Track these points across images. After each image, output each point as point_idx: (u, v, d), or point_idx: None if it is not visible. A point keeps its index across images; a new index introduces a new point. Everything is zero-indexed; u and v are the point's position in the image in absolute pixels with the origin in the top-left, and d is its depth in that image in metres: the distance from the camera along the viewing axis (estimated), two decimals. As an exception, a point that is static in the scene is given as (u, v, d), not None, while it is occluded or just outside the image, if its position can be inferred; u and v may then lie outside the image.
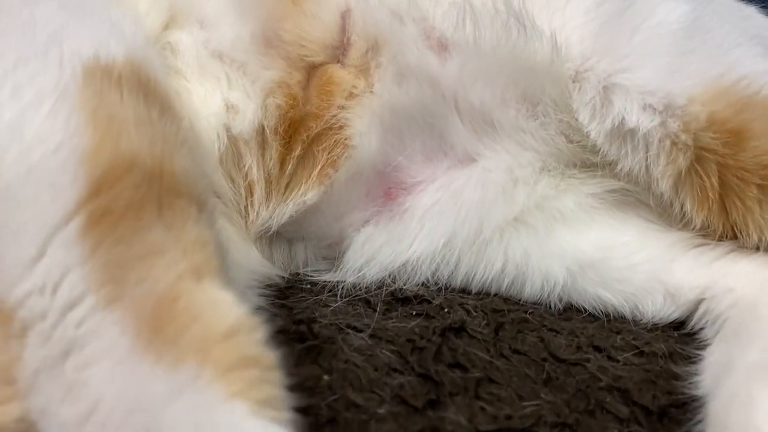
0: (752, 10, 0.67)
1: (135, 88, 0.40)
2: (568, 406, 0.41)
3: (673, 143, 0.49)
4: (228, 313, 0.29)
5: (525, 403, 0.41)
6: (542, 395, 0.42)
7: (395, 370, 0.42)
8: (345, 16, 0.53)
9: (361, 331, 0.47)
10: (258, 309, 0.48)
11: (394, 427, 0.37)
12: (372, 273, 0.53)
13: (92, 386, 0.28)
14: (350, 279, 0.53)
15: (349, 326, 0.47)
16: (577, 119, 0.52)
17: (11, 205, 0.33)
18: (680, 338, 0.50)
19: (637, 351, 0.48)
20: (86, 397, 0.27)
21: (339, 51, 0.53)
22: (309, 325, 0.47)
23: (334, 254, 0.56)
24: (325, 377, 0.41)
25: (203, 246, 0.32)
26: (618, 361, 0.47)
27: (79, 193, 0.32)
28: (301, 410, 0.33)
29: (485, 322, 0.49)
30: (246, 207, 0.52)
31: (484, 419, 0.39)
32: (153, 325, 0.28)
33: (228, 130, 0.51)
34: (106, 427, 0.26)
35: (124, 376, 0.27)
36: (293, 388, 0.33)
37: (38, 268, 0.31)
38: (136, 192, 0.32)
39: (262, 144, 0.51)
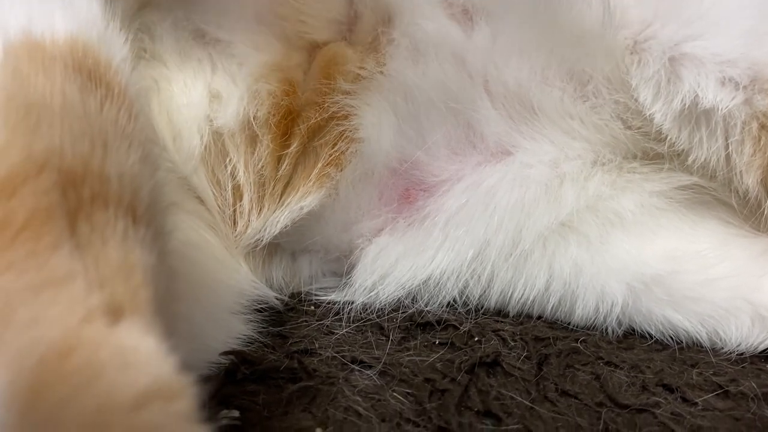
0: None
1: (74, 71, 0.31)
2: (635, 471, 0.32)
3: (763, 126, 0.40)
4: (144, 372, 0.20)
5: (576, 467, 0.32)
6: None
7: (408, 420, 0.33)
8: (352, -16, 0.44)
9: (369, 366, 0.38)
10: (245, 340, 0.40)
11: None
12: (387, 292, 0.44)
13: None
14: (360, 299, 0.44)
15: (354, 360, 0.38)
16: (637, 99, 0.42)
17: None
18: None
19: (720, 391, 0.38)
20: None
21: (344, 26, 0.45)
22: (305, 359, 0.38)
23: (343, 269, 0.47)
24: (318, 431, 0.33)
25: (129, 273, 0.24)
26: (696, 404, 0.37)
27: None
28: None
29: (525, 354, 0.40)
30: (233, 214, 0.44)
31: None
32: (35, 389, 0.20)
33: (211, 122, 0.43)
34: None
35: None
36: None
37: None
38: (43, 200, 0.24)
39: (251, 139, 0.43)
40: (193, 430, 0.20)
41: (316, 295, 0.47)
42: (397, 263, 0.45)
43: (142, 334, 0.22)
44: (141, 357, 0.21)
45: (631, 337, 0.43)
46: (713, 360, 0.41)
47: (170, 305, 0.28)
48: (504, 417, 0.34)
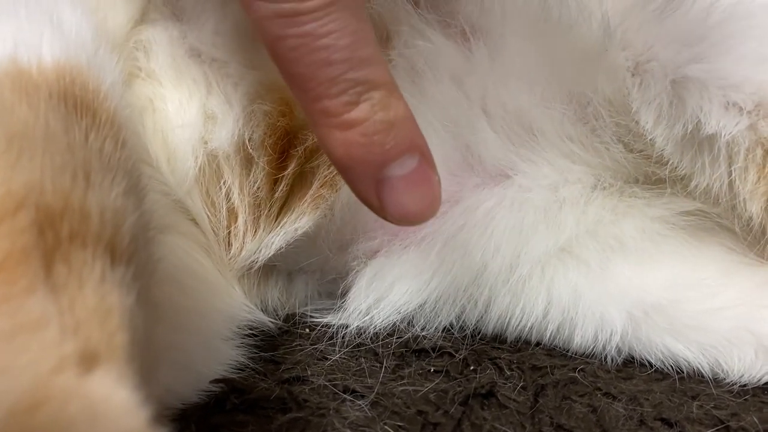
0: None
1: (59, 100, 0.31)
2: None
3: (767, 152, 0.38)
4: (114, 426, 0.20)
5: (570, 508, 0.31)
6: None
7: (398, 456, 0.33)
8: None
9: (362, 396, 0.37)
10: (236, 366, 0.39)
11: None
12: (382, 316, 0.44)
13: None
14: (355, 323, 0.44)
15: (347, 390, 0.38)
16: (638, 123, 0.41)
17: None
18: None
19: (721, 426, 0.37)
20: None
21: (342, 44, 0.44)
22: (296, 388, 0.38)
23: (338, 290, 0.46)
24: (304, 468, 0.32)
25: (105, 316, 0.23)
26: (697, 441, 0.36)
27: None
28: None
29: (521, 384, 0.39)
30: (228, 236, 0.43)
31: None
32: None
33: (205, 143, 0.42)
34: None
35: None
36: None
37: None
38: (18, 240, 0.24)
39: (246, 160, 0.42)
40: None
41: (311, 316, 0.46)
42: (393, 286, 0.44)
43: (115, 385, 0.21)
44: (112, 410, 0.20)
45: (631, 365, 0.42)
46: (714, 392, 0.40)
47: (154, 341, 0.28)
48: (495, 452, 0.33)
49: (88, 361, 0.22)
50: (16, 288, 0.23)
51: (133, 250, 0.27)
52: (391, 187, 0.30)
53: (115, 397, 0.21)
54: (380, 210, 0.31)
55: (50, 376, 0.21)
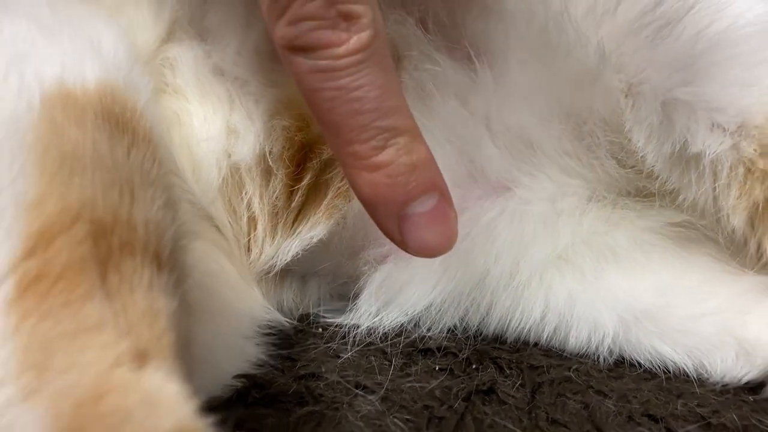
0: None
1: (103, 119, 0.34)
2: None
3: (748, 170, 0.41)
4: (168, 415, 0.23)
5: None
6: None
7: (405, 445, 0.36)
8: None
9: (372, 392, 0.40)
10: (256, 363, 0.42)
11: None
12: (390, 318, 0.47)
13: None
14: (366, 324, 0.47)
15: (358, 386, 0.41)
16: (630, 140, 0.44)
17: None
18: (757, 405, 0.42)
19: (703, 422, 0.40)
20: None
21: (356, 65, 0.47)
22: (312, 383, 0.41)
23: (350, 293, 0.49)
24: (321, 456, 0.35)
25: (154, 319, 0.26)
26: (679, 435, 0.39)
27: (12, 253, 0.27)
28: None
29: (520, 382, 0.42)
30: (248, 243, 0.46)
31: None
32: (73, 429, 0.23)
33: (228, 156, 0.45)
34: None
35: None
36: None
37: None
38: (76, 251, 0.27)
39: (266, 172, 0.45)
40: None
41: (323, 317, 0.49)
42: (401, 290, 0.47)
43: (165, 378, 0.25)
44: (165, 400, 0.24)
45: (621, 366, 0.45)
46: (698, 391, 0.43)
47: (189, 341, 0.31)
48: (494, 443, 0.37)
49: (140, 358, 0.25)
50: (75, 295, 0.26)
51: (174, 259, 0.30)
52: (413, 224, 0.33)
53: (167, 389, 0.24)
54: (401, 243, 0.34)
55: (110, 371, 0.24)
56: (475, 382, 0.41)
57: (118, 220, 0.29)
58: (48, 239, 0.27)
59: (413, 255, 0.35)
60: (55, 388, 0.24)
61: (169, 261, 0.30)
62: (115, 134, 0.34)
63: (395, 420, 0.38)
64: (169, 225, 0.32)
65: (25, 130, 0.32)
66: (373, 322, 0.47)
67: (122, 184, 0.31)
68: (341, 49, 0.30)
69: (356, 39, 0.30)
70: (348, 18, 0.30)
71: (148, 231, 0.30)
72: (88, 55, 0.38)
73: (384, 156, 0.32)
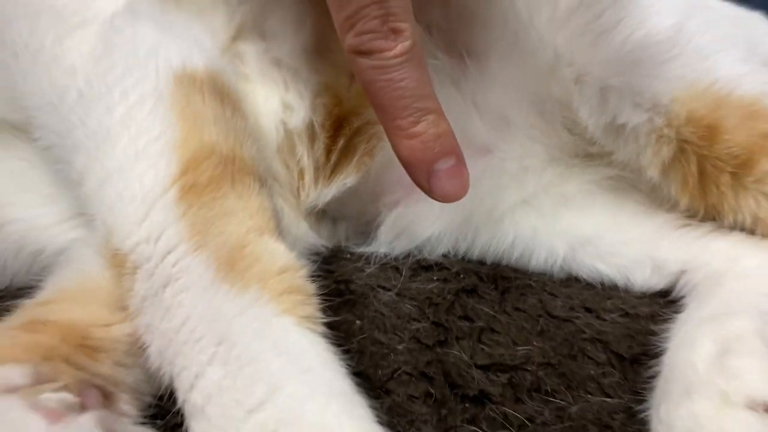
0: (754, 16, 0.74)
1: (212, 91, 0.51)
2: (554, 351, 0.50)
3: (659, 136, 0.58)
4: (281, 257, 0.40)
5: (518, 348, 0.50)
6: (534, 342, 0.51)
7: (414, 319, 0.53)
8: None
9: (389, 290, 0.57)
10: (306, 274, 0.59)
11: (408, 359, 0.47)
12: (401, 245, 0.64)
13: (184, 306, 0.39)
14: (382, 250, 0.63)
15: (379, 286, 0.57)
16: (578, 115, 0.61)
17: (123, 180, 0.44)
18: (665, 304, 0.59)
19: (623, 313, 0.56)
20: (179, 315, 0.38)
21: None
22: (347, 284, 0.57)
23: (369, 230, 0.66)
24: (358, 322, 0.52)
25: (264, 212, 0.43)
26: (605, 320, 0.55)
27: (173, 172, 0.43)
28: (337, 345, 0.43)
29: (494, 286, 0.59)
30: (298, 188, 0.62)
31: (482, 357, 0.49)
32: (228, 264, 0.39)
33: (284, 125, 0.62)
34: (193, 333, 0.37)
35: (207, 299, 0.38)
36: (332, 328, 0.44)
37: (144, 226, 0.42)
38: (214, 171, 0.43)
39: (312, 137, 0.62)
40: (309, 285, 0.39)
41: (351, 247, 0.66)
42: (408, 226, 0.64)
43: (275, 241, 0.41)
44: (278, 251, 0.40)
45: (570, 280, 0.62)
46: (623, 295, 0.60)
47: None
48: (475, 319, 0.53)
49: (259, 231, 0.42)
50: (218, 194, 0.43)
51: (268, 183, 0.47)
52: (437, 178, 0.45)
53: (278, 246, 0.41)
54: (429, 192, 0.45)
55: (245, 234, 0.41)
56: (462, 285, 0.58)
57: (235, 155, 0.46)
58: (196, 163, 0.44)
59: (437, 201, 0.46)
60: (213, 243, 0.40)
61: (266, 182, 0.46)
62: (223, 101, 0.51)
63: (406, 305, 0.54)
64: (261, 161, 0.48)
65: (167, 98, 0.48)
66: (388, 248, 0.63)
67: (232, 133, 0.48)
68: (390, 53, 0.42)
69: (401, 46, 0.42)
70: (395, 32, 0.42)
71: (253, 163, 0.46)
72: (195, 48, 0.54)
73: (418, 128, 0.43)
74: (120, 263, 0.42)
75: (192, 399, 0.35)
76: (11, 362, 0.36)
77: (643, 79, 0.58)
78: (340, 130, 0.62)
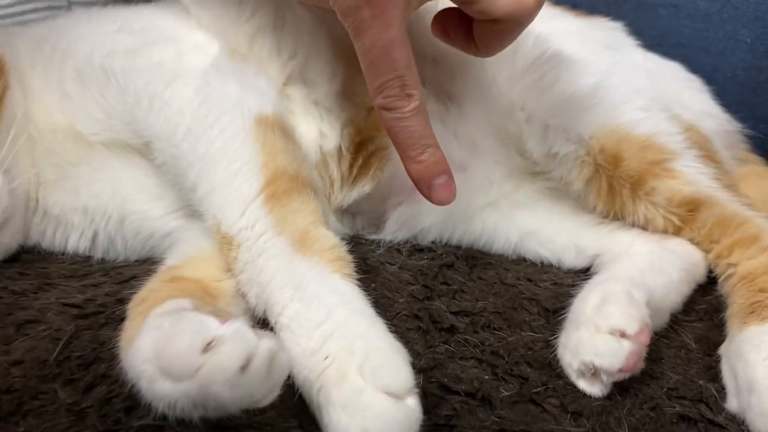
0: (670, 66, 1.00)
1: (278, 129, 0.76)
2: (503, 306, 0.75)
3: (581, 161, 0.83)
4: (330, 239, 0.65)
5: (479, 302, 0.76)
6: (489, 299, 0.76)
7: (410, 283, 0.78)
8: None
9: (393, 264, 0.82)
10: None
11: (406, 307, 0.73)
12: (402, 234, 0.89)
13: (272, 268, 0.63)
14: (388, 237, 0.89)
15: (386, 262, 0.83)
16: (527, 145, 0.86)
17: (227, 189, 0.69)
18: (584, 278, 0.84)
19: (553, 282, 0.82)
20: (269, 272, 0.63)
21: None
22: (364, 260, 0.82)
23: (379, 223, 0.91)
24: (372, 284, 0.77)
25: (317, 211, 0.68)
26: (539, 287, 0.81)
27: (260, 185, 0.69)
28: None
29: (465, 263, 0.84)
30: (329, 193, 0.87)
31: (454, 307, 0.74)
32: (299, 242, 0.64)
33: (321, 148, 0.86)
34: (279, 283, 0.62)
35: (286, 263, 0.63)
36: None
37: (244, 219, 0.67)
38: (286, 185, 0.68)
39: (340, 156, 0.87)
40: (348, 256, 0.65)
41: (365, 235, 0.91)
42: (408, 220, 0.89)
43: (326, 230, 0.67)
44: (329, 235, 0.66)
45: (519, 259, 0.88)
46: (556, 271, 0.86)
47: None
48: (451, 284, 0.78)
49: (316, 223, 0.68)
50: (290, 199, 0.68)
51: (315, 190, 0.73)
52: (434, 190, 0.66)
53: (328, 233, 0.67)
54: (429, 199, 0.67)
55: (309, 225, 0.66)
56: (443, 261, 0.83)
57: (297, 174, 0.71)
58: (274, 180, 0.69)
59: (435, 204, 0.67)
60: (288, 230, 0.66)
61: (316, 192, 0.72)
62: (285, 136, 0.76)
63: (405, 274, 0.80)
64: (309, 177, 0.74)
65: (251, 134, 0.73)
66: (392, 236, 0.89)
67: (294, 159, 0.73)
68: (405, 110, 0.63)
69: (412, 105, 0.62)
70: (408, 96, 0.62)
71: (308, 178, 0.72)
72: (264, 98, 0.79)
73: (423, 157, 0.65)
74: (228, 242, 0.68)
75: (281, 321, 0.61)
76: (177, 297, 0.61)
77: (571, 122, 0.83)
78: (360, 152, 0.88)
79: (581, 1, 1.11)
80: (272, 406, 0.53)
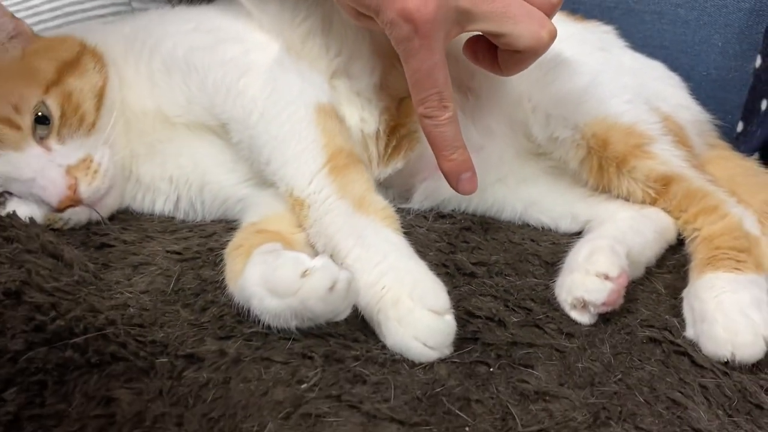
0: (652, 65, 1.18)
1: (333, 115, 0.94)
2: (512, 259, 0.94)
3: (577, 145, 1.02)
4: (382, 202, 0.83)
5: (492, 257, 0.95)
6: (501, 254, 0.96)
7: (436, 241, 0.96)
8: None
9: (421, 227, 1.01)
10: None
11: (434, 259, 0.91)
12: (427, 204, 1.07)
13: (337, 224, 0.81)
14: (415, 206, 1.07)
15: (416, 225, 1.01)
16: (532, 130, 1.05)
17: (297, 163, 0.88)
18: (577, 239, 1.03)
19: (552, 242, 1.01)
20: (335, 227, 0.80)
21: (415, 92, 1.07)
22: (398, 223, 1.01)
23: (409, 195, 1.09)
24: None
25: (370, 180, 0.86)
26: (541, 246, 1.00)
27: (323, 160, 0.87)
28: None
29: (480, 227, 1.03)
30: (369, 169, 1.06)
31: (473, 259, 0.93)
32: (358, 204, 0.81)
33: (362, 131, 1.04)
34: (343, 235, 0.81)
35: (348, 220, 0.81)
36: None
37: (312, 184, 0.85)
38: (345, 160, 0.86)
39: (377, 139, 1.04)
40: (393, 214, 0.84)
41: (396, 205, 1.10)
42: (432, 193, 1.06)
43: (378, 195, 0.86)
44: (380, 199, 0.85)
45: (524, 225, 1.07)
46: (554, 234, 1.04)
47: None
48: (470, 242, 0.97)
49: (370, 189, 0.86)
50: (348, 171, 0.86)
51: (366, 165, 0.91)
52: (461, 182, 0.81)
53: (380, 197, 0.86)
54: (456, 190, 0.81)
55: (364, 191, 0.85)
56: (463, 225, 1.02)
57: (351, 152, 0.89)
58: (334, 156, 0.87)
59: (461, 194, 0.84)
60: (349, 195, 0.84)
61: (367, 167, 0.91)
62: (338, 120, 0.94)
63: (431, 234, 0.98)
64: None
65: (313, 120, 0.92)
66: (419, 206, 1.07)
67: (347, 140, 0.92)
68: (441, 118, 0.77)
69: (447, 115, 0.77)
70: (444, 107, 0.76)
71: (359, 156, 0.90)
72: (320, 90, 0.97)
73: (453, 156, 0.79)
74: (300, 204, 0.86)
75: (346, 262, 0.79)
76: (268, 242, 0.80)
77: (569, 112, 1.02)
78: (393, 135, 1.06)
79: (578, 7, 1.29)
80: (345, 320, 0.72)
